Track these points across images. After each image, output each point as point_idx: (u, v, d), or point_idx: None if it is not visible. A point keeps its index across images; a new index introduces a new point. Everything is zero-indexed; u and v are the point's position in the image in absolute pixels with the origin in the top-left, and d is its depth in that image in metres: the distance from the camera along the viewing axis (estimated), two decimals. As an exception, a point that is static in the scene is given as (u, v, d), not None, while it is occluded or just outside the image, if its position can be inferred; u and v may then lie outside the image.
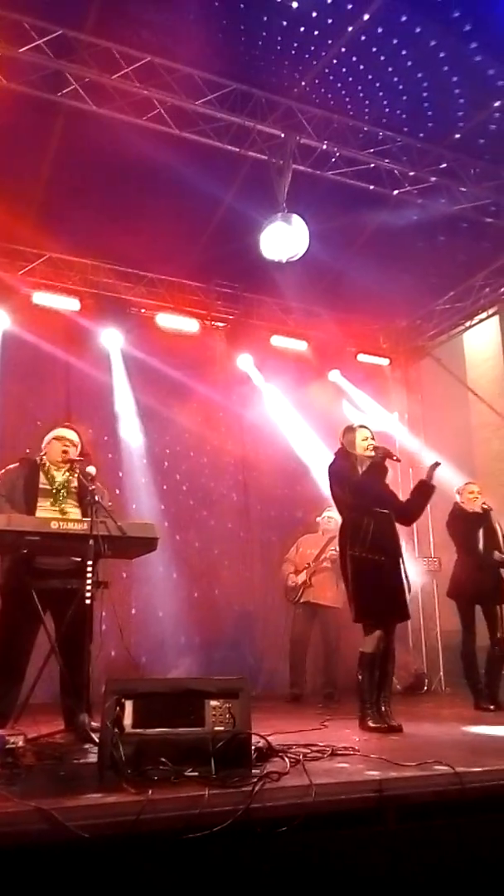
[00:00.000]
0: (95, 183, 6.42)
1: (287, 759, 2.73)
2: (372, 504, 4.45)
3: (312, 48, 5.59)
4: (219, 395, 8.27)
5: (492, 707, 5.47)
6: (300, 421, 8.50)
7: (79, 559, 3.56)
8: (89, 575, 3.47)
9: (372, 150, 6.49)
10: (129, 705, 2.57)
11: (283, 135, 6.18)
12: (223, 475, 8.30)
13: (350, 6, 5.20)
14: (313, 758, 2.94)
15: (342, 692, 6.27)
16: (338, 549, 5.13)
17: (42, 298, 7.47)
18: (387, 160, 6.57)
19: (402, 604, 4.42)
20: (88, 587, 3.46)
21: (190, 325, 8.18)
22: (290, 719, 4.70)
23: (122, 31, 5.42)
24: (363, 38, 5.44)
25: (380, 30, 5.37)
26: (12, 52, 5.28)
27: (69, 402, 7.51)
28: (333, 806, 2.31)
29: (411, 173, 6.69)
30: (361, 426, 4.72)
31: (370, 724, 4.23)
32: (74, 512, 3.94)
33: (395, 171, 6.68)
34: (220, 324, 8.59)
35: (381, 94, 6.03)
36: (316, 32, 5.43)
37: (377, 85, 5.94)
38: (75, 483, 4.03)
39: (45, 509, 3.90)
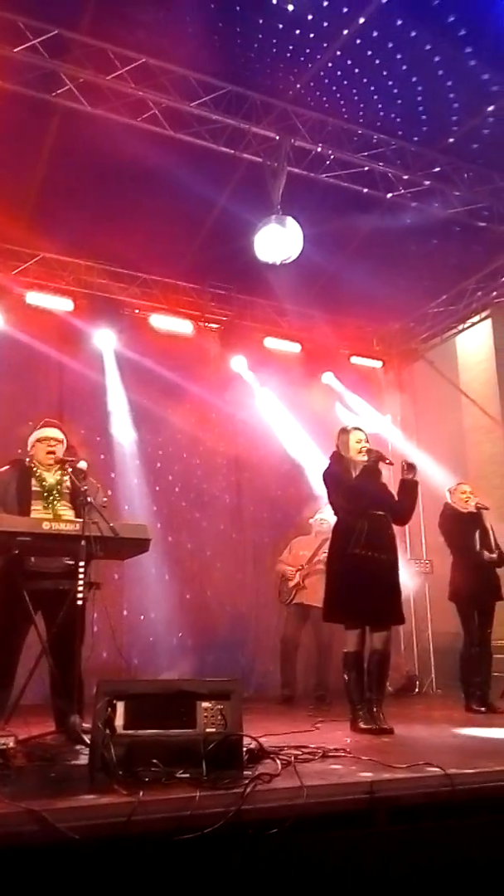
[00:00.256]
0: (89, 183, 6.41)
1: (278, 761, 2.72)
2: (367, 507, 4.45)
3: (308, 51, 5.59)
4: (212, 397, 8.24)
5: (483, 709, 5.49)
6: (293, 423, 8.50)
7: (71, 561, 3.54)
8: (81, 576, 3.45)
9: (366, 154, 6.50)
10: (120, 706, 2.57)
11: (277, 137, 6.18)
12: (216, 476, 8.30)
13: (345, 9, 5.20)
14: (305, 759, 2.95)
15: (334, 694, 6.27)
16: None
17: (35, 298, 7.44)
18: (381, 163, 6.58)
19: (393, 606, 4.42)
20: (80, 588, 3.45)
21: (183, 326, 8.18)
22: (281, 721, 4.70)
23: (118, 31, 5.41)
24: (358, 41, 5.45)
25: (375, 33, 5.38)
26: (7, 52, 5.27)
27: (62, 402, 7.48)
28: (325, 807, 2.32)
29: (405, 177, 6.71)
30: (356, 428, 4.73)
31: (361, 725, 4.24)
32: (67, 514, 3.90)
33: (390, 175, 6.70)
34: (214, 325, 8.56)
35: (375, 97, 6.04)
36: (311, 35, 5.43)
37: (372, 88, 5.96)
38: (67, 483, 4.00)
39: (37, 512, 3.86)
